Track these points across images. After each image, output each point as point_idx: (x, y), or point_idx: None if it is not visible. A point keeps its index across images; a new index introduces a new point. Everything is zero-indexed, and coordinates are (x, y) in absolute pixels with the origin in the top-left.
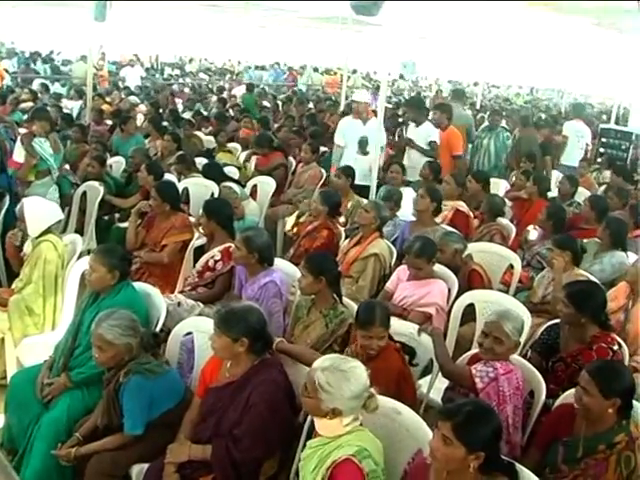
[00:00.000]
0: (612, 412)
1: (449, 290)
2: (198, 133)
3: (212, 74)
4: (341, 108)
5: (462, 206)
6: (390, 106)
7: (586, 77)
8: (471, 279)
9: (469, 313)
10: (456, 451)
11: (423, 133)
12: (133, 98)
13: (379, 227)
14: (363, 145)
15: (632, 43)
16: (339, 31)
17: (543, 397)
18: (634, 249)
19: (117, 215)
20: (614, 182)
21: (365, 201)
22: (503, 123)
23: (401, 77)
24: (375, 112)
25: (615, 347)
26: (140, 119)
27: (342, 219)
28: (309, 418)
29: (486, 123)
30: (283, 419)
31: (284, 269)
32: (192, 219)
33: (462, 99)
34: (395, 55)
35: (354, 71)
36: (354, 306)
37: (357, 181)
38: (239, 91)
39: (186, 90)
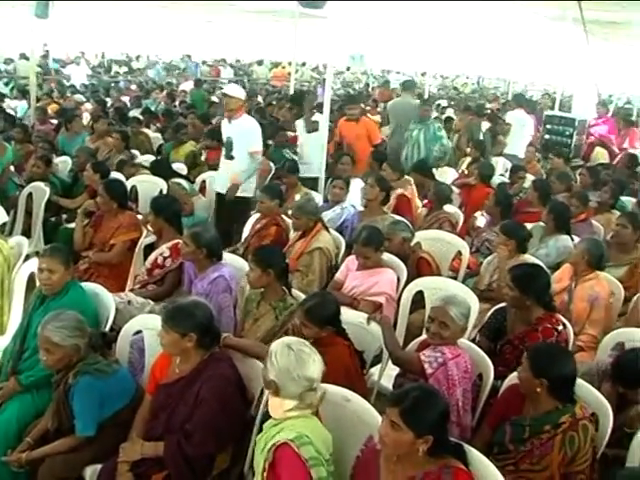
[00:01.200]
0: (541, 391)
1: (398, 279)
2: (146, 130)
3: (160, 70)
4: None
5: (402, 190)
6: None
7: (532, 66)
8: (420, 267)
9: (419, 300)
10: (404, 436)
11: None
12: (79, 96)
13: (318, 220)
14: (228, 148)
15: (573, 32)
16: (287, 24)
17: (491, 379)
18: (578, 233)
19: (64, 216)
20: (556, 166)
21: (314, 193)
22: (451, 112)
23: (348, 69)
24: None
25: (560, 327)
26: (86, 118)
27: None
28: (261, 410)
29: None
30: (234, 413)
31: (233, 263)
32: (140, 217)
33: (412, 90)
34: (343, 47)
35: (303, 64)
36: (302, 296)
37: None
38: (187, 86)
39: (133, 87)
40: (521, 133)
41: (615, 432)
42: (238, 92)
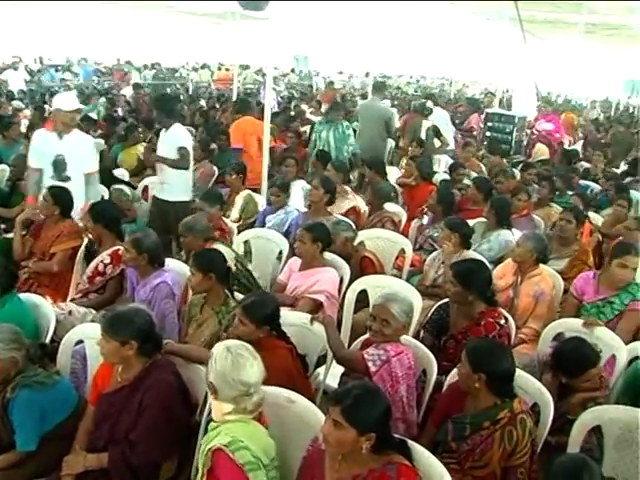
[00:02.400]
0: (480, 387)
1: (341, 278)
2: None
3: (101, 75)
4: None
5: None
6: (282, 101)
7: (473, 65)
8: (363, 266)
9: (363, 300)
10: (347, 434)
11: (171, 139)
12: (17, 103)
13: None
14: (59, 167)
15: (511, 32)
16: (230, 27)
17: (435, 375)
18: (520, 227)
19: (2, 226)
20: (497, 163)
21: (257, 196)
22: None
23: (292, 71)
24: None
25: (502, 321)
26: (25, 124)
27: (235, 214)
28: (205, 415)
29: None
30: (178, 419)
31: (175, 269)
32: (81, 224)
33: (382, 91)
34: (286, 49)
35: (246, 67)
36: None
37: (175, 197)
38: (128, 91)
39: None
40: (447, 129)
41: (558, 420)
42: (70, 104)
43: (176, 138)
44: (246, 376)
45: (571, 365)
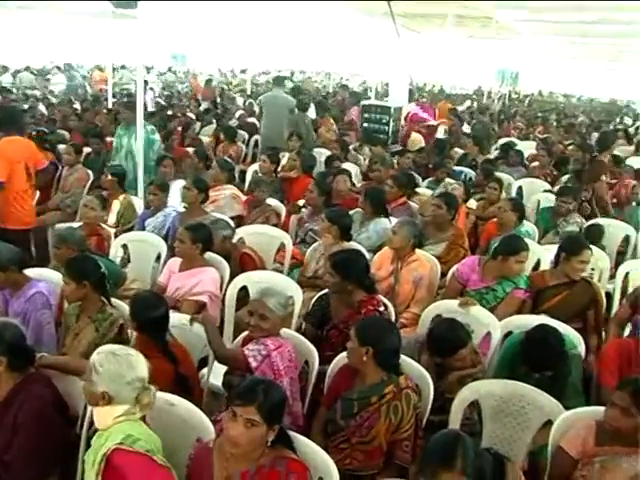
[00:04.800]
0: (368, 361)
1: (222, 277)
2: None
3: None
4: (109, 105)
5: (232, 188)
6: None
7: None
8: (243, 263)
9: (245, 297)
10: (260, 431)
11: None
12: None
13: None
14: None
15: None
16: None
17: (317, 365)
18: (398, 216)
19: None
20: (377, 152)
21: (135, 199)
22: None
23: (170, 70)
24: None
25: (381, 308)
26: None
27: (113, 218)
28: (85, 427)
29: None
30: (56, 434)
31: (49, 278)
32: None
33: (283, 85)
34: (163, 48)
35: (122, 66)
36: (124, 306)
37: None
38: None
39: None
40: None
41: (438, 399)
42: None
43: None
44: (141, 372)
45: (442, 346)
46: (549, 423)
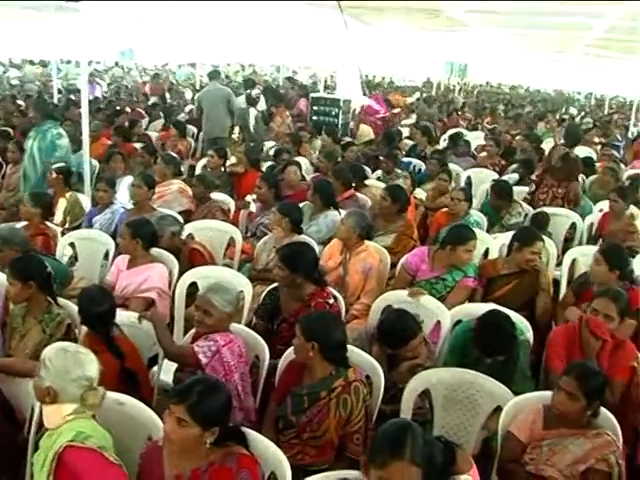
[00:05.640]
0: (314, 356)
1: (171, 273)
2: None
3: None
4: (54, 100)
5: (179, 183)
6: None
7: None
8: (192, 258)
9: (196, 292)
10: (192, 431)
11: None
12: None
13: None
14: None
15: (334, 17)
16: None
17: (267, 359)
18: (347, 209)
19: None
20: (327, 144)
21: (82, 196)
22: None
23: (117, 64)
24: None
25: (331, 300)
26: None
27: (59, 217)
28: (33, 429)
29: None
30: (1, 438)
31: None
32: None
33: (218, 78)
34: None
35: (68, 61)
36: (71, 306)
37: None
38: None
39: None
40: None
41: (390, 389)
42: None
43: None
44: (89, 371)
45: (393, 338)
46: (499, 409)
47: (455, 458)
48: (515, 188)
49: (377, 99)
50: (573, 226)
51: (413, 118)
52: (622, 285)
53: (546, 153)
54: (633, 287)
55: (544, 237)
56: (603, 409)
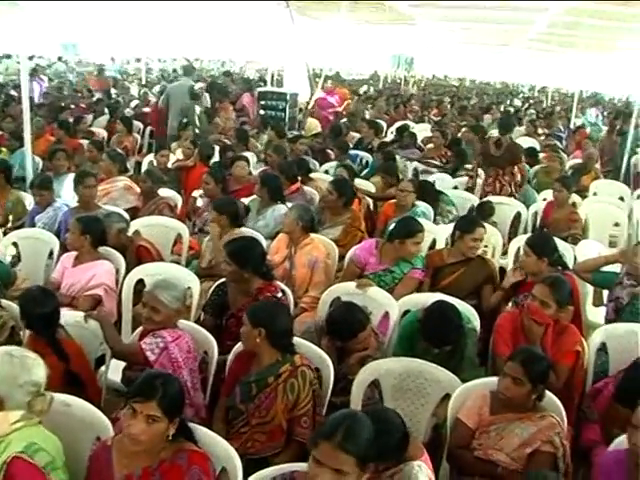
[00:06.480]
0: (261, 342)
1: (118, 270)
2: None
3: None
4: None
5: (125, 179)
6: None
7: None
8: (139, 255)
9: (143, 290)
10: (162, 426)
11: None
12: None
13: None
14: None
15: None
16: None
17: (216, 355)
18: (294, 203)
19: None
20: (272, 139)
21: (24, 195)
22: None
23: (59, 59)
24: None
25: (279, 294)
26: None
27: (0, 217)
28: None
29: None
30: None
31: None
32: None
33: (192, 74)
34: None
35: (8, 56)
36: (15, 307)
37: None
38: None
39: None
40: None
41: (341, 381)
42: None
43: None
44: (36, 376)
45: (342, 330)
46: (448, 396)
47: (407, 445)
48: (455, 180)
49: (331, 93)
50: (518, 215)
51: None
52: (555, 271)
53: None
54: (567, 272)
55: (490, 226)
56: (548, 393)
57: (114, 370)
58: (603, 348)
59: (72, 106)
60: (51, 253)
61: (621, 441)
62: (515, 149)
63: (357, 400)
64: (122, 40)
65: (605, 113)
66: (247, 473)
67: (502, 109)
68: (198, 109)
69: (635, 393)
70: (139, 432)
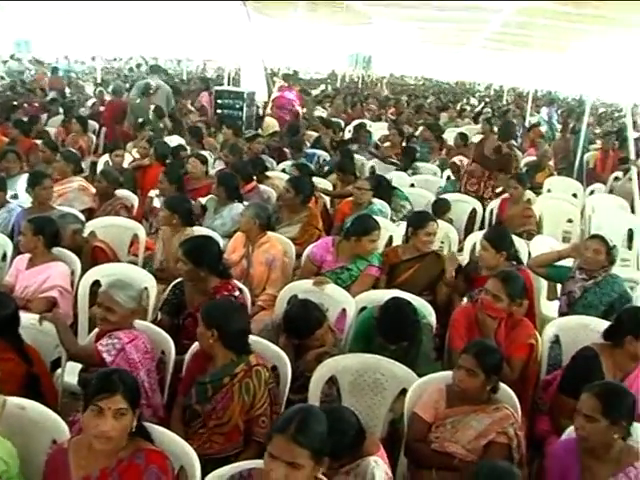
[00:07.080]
0: (214, 343)
1: (73, 272)
2: None
3: None
4: None
5: (79, 180)
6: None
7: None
8: (95, 256)
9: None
10: (128, 419)
11: None
12: None
13: None
14: None
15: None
16: None
17: (173, 355)
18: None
19: None
20: (228, 137)
21: None
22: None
23: (12, 57)
24: None
25: (236, 293)
26: None
27: None
28: None
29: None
30: None
31: None
32: None
33: (159, 72)
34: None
35: None
36: None
37: None
38: None
39: None
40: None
41: (299, 379)
42: None
43: None
44: None
45: (299, 328)
46: (404, 391)
47: (364, 441)
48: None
49: (290, 89)
50: (473, 212)
51: (320, 110)
52: (510, 266)
53: (449, 142)
54: (521, 267)
55: (446, 223)
56: (502, 385)
57: (70, 372)
58: (556, 340)
59: (25, 105)
60: (4, 256)
61: (571, 431)
62: (509, 160)
63: (315, 397)
64: (77, 38)
65: (559, 112)
66: (208, 472)
67: (459, 107)
68: (151, 106)
69: (577, 383)
70: (109, 429)
